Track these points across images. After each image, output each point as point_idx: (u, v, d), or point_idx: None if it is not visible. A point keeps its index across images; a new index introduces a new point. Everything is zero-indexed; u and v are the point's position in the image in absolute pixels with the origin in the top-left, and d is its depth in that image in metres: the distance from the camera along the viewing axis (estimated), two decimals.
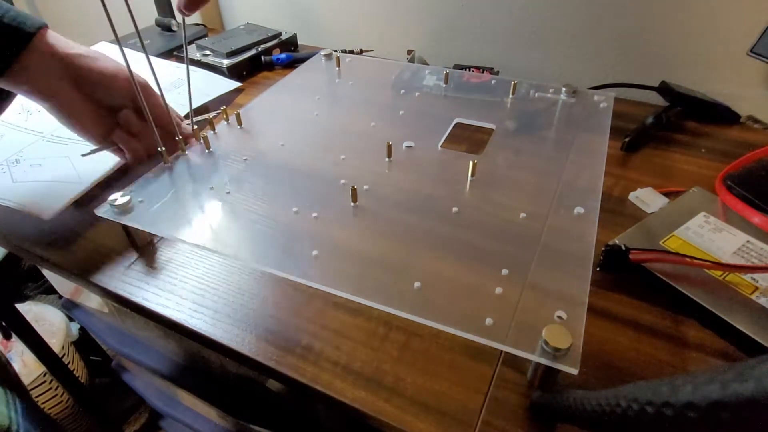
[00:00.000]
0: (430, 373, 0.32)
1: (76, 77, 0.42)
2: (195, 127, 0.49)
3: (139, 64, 0.42)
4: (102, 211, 0.40)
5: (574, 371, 0.27)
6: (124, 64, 0.43)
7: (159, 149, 0.44)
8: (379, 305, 0.32)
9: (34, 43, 0.39)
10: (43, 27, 0.40)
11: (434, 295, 0.33)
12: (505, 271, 0.34)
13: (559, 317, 0.31)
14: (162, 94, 0.45)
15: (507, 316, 0.31)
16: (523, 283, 0.34)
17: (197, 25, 0.89)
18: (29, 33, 0.38)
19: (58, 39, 0.41)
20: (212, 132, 0.51)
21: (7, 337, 0.73)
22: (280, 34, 0.77)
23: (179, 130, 0.47)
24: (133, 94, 0.44)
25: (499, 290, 0.33)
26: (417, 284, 0.34)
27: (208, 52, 0.72)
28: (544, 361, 0.28)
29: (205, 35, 0.84)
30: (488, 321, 0.31)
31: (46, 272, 0.81)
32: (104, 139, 0.45)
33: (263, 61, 0.73)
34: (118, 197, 0.40)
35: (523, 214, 0.40)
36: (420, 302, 0.33)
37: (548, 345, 0.28)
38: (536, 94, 0.57)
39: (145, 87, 0.44)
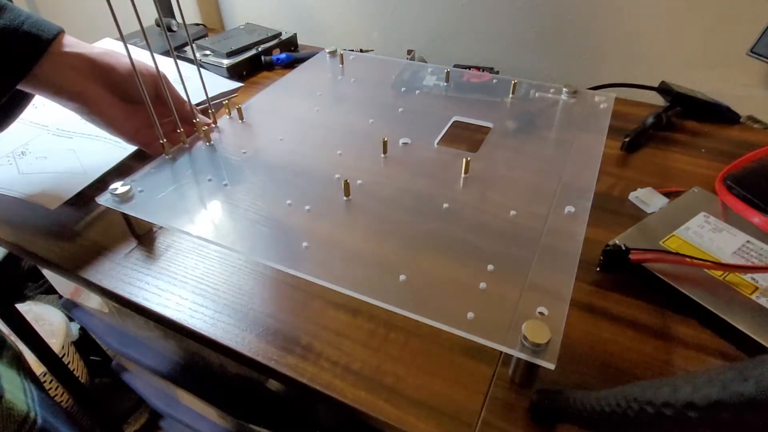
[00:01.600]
0: (430, 373, 0.32)
1: (102, 74, 0.43)
2: (212, 110, 0.50)
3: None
4: (103, 199, 0.40)
5: (551, 366, 0.27)
6: (137, 59, 0.44)
7: (161, 141, 0.45)
8: (363, 296, 0.32)
9: (54, 47, 0.40)
10: (60, 32, 0.41)
11: (418, 288, 0.33)
12: (490, 267, 0.35)
13: (540, 313, 0.31)
14: (184, 84, 0.46)
15: (489, 311, 0.31)
16: (507, 279, 0.34)
17: (197, 25, 0.89)
18: (47, 39, 0.40)
19: (77, 43, 0.43)
20: (214, 125, 0.51)
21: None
22: (280, 34, 0.77)
23: (196, 117, 0.49)
24: (152, 88, 0.45)
25: (483, 285, 0.33)
26: (402, 277, 0.34)
27: (208, 52, 0.72)
28: (522, 356, 0.28)
29: (205, 35, 0.84)
30: (470, 315, 0.31)
31: (46, 272, 0.81)
32: (135, 135, 0.46)
33: (263, 61, 0.73)
34: (119, 186, 0.40)
35: (513, 212, 0.40)
36: (403, 294, 0.33)
37: (527, 340, 0.28)
38: (536, 94, 0.57)
39: (165, 77, 0.46)
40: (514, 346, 0.29)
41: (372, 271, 0.35)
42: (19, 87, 0.40)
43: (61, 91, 0.42)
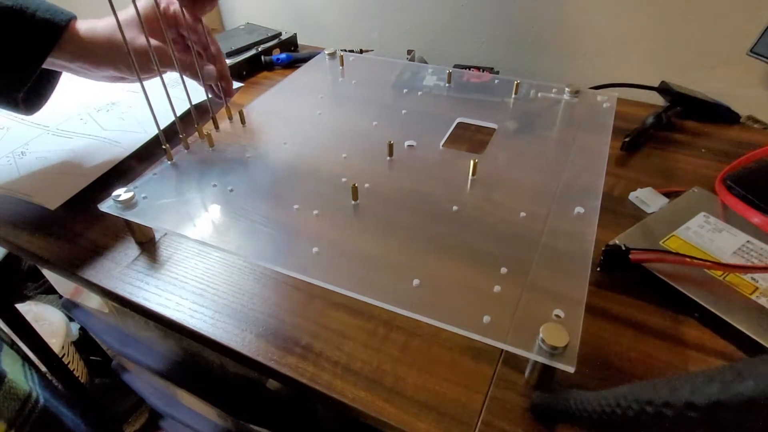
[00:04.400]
0: (430, 373, 0.32)
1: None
2: (213, 112, 0.51)
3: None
4: (106, 206, 0.40)
5: (571, 369, 0.27)
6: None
7: (163, 146, 0.44)
8: (378, 302, 0.32)
9: (68, 33, 0.42)
10: (73, 18, 0.43)
11: (432, 293, 0.33)
12: (503, 270, 0.34)
13: (557, 316, 0.31)
14: (184, 84, 0.47)
15: (505, 315, 0.31)
16: (521, 282, 0.33)
17: None
18: (61, 25, 0.42)
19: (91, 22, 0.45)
20: (216, 130, 0.51)
21: None
22: (280, 34, 0.77)
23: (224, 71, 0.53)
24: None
25: (497, 288, 0.33)
26: (416, 282, 0.34)
27: None
28: (541, 359, 0.28)
29: None
30: (486, 319, 0.31)
31: (46, 272, 0.81)
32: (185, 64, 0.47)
33: (263, 61, 0.73)
34: (122, 193, 0.40)
35: (523, 214, 0.40)
36: (418, 300, 0.33)
37: (545, 343, 0.28)
38: (538, 94, 0.57)
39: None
40: (532, 350, 0.28)
41: (385, 277, 0.35)
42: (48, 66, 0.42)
43: (93, 61, 0.44)
